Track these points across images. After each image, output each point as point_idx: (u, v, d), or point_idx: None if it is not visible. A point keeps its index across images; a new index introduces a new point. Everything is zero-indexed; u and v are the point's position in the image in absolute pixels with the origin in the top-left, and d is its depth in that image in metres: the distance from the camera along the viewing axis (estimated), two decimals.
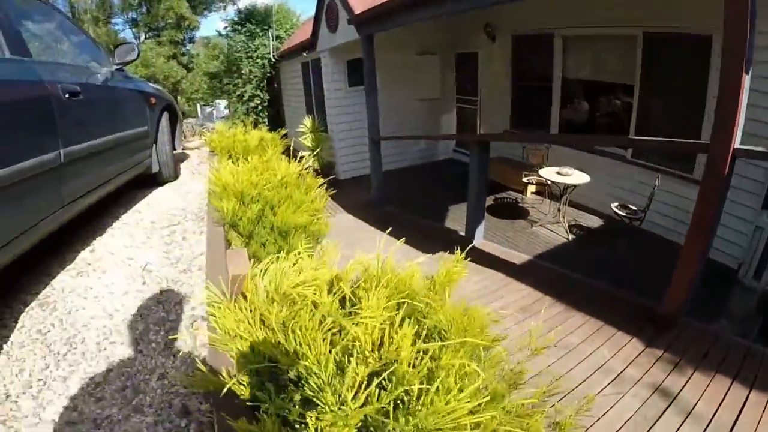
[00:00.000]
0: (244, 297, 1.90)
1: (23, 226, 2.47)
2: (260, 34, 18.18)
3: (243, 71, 17.83)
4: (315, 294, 1.55)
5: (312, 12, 12.24)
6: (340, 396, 1.17)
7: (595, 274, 4.84)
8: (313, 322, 1.34)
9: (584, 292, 4.51)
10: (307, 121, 11.88)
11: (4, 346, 2.33)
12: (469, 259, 2.11)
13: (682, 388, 3.20)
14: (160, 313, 2.61)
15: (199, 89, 24.17)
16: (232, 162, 4.91)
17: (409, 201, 9.09)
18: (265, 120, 17.98)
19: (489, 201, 7.42)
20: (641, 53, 7.15)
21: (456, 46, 11.71)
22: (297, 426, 1.15)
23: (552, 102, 9.05)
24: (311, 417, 1.12)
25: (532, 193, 9.07)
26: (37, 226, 2.59)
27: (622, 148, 7.64)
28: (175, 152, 5.60)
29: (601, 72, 8.29)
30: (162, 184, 5.25)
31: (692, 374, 3.34)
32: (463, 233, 6.28)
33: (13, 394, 2.02)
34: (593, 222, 7.86)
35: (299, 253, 2.05)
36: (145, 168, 4.73)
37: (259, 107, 18.24)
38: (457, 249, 2.15)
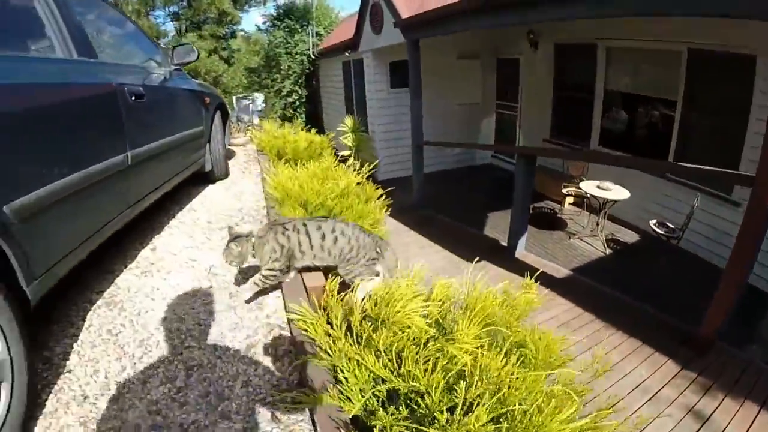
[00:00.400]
0: (323, 309, 2.02)
1: (95, 226, 2.56)
2: (299, 30, 18.30)
3: (282, 67, 17.94)
4: (416, 318, 1.66)
5: (351, 9, 12.31)
6: (451, 413, 1.29)
7: (632, 291, 4.90)
8: (418, 348, 1.46)
9: (623, 310, 4.58)
10: (348, 121, 11.94)
11: (74, 345, 2.37)
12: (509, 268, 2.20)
13: (714, 411, 3.32)
14: (233, 318, 2.62)
15: (240, 84, 24.37)
16: (284, 164, 5.04)
17: (447, 205, 9.13)
18: (302, 116, 18.07)
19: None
20: (685, 69, 7.09)
21: (497, 51, 11.66)
22: None
23: (593, 113, 8.98)
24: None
25: (569, 204, 9.05)
26: (106, 227, 2.68)
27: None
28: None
29: (643, 86, 8.22)
30: (213, 182, 5.37)
31: (723, 399, 3.45)
32: (503, 242, 6.35)
33: (91, 395, 2.04)
34: (630, 237, 7.84)
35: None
36: (199, 167, 4.83)
37: (297, 103, 18.33)
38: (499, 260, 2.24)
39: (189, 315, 2.65)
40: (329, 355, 1.66)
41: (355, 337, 1.60)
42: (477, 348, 1.56)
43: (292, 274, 2.62)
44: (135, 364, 2.25)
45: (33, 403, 1.83)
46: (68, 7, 2.79)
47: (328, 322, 1.88)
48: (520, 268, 5.21)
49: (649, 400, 3.45)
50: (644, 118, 8.31)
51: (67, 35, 2.68)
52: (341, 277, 2.46)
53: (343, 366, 1.50)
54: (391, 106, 11.60)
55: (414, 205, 8.98)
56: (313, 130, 6.97)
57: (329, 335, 1.79)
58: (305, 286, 2.43)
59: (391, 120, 11.64)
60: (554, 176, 9.40)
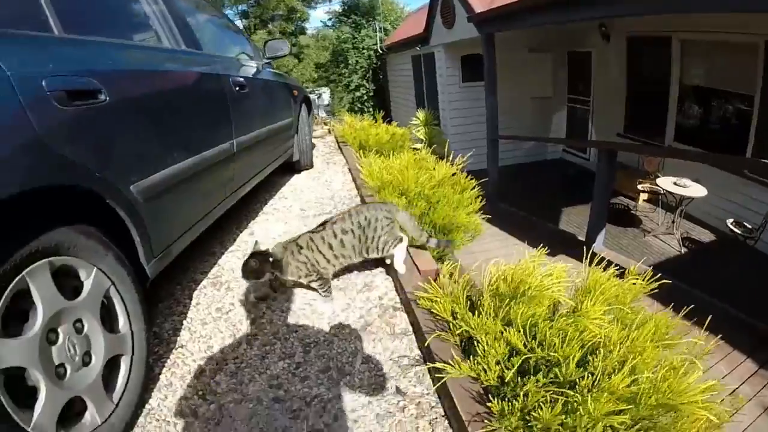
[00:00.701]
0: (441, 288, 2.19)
1: (206, 209, 2.74)
2: (365, 25, 18.57)
3: (349, 62, 18.26)
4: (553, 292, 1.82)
5: (415, 4, 12.42)
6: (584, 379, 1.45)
7: (709, 290, 4.87)
8: (551, 322, 1.62)
9: (701, 307, 4.58)
10: (420, 114, 12.05)
11: (184, 322, 2.48)
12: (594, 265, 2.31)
13: None
14: (343, 300, 2.67)
15: (309, 78, 24.83)
16: (373, 155, 5.25)
17: (521, 199, 9.08)
18: (370, 109, 18.31)
19: None
20: (763, 62, 6.81)
21: (568, 44, 11.43)
22: (542, 406, 1.42)
23: (668, 108, 8.77)
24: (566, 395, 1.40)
25: (643, 200, 8.83)
26: (214, 209, 2.86)
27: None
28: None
29: (720, 79, 7.95)
30: (299, 171, 5.60)
31: None
32: (579, 237, 6.37)
33: (208, 369, 2.12)
34: (706, 236, 7.65)
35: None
36: (288, 156, 5.06)
37: (365, 97, 18.63)
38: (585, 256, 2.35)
39: (297, 296, 2.74)
40: (460, 329, 1.82)
41: (485, 313, 1.75)
42: (606, 323, 1.71)
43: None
44: (250, 340, 2.34)
45: (146, 376, 1.91)
46: (172, 2, 2.99)
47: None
48: (600, 263, 5.28)
49: (727, 396, 3.50)
50: (720, 112, 8.11)
51: (175, 29, 2.86)
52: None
53: (480, 338, 1.66)
54: (462, 100, 11.65)
55: (489, 198, 9.01)
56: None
57: (454, 314, 1.95)
58: (418, 270, 2.57)
59: (464, 113, 11.68)
60: (628, 172, 9.19)
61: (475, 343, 1.68)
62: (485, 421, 1.49)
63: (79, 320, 1.60)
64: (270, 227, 3.87)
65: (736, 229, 6.74)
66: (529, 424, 1.40)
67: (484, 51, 8.75)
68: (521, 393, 1.46)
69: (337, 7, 21.94)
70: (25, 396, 1.34)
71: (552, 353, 1.52)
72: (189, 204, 2.55)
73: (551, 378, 1.51)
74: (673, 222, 7.46)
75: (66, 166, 1.60)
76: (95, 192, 1.72)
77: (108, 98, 1.82)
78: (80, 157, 1.66)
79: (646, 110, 9.43)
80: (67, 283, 1.58)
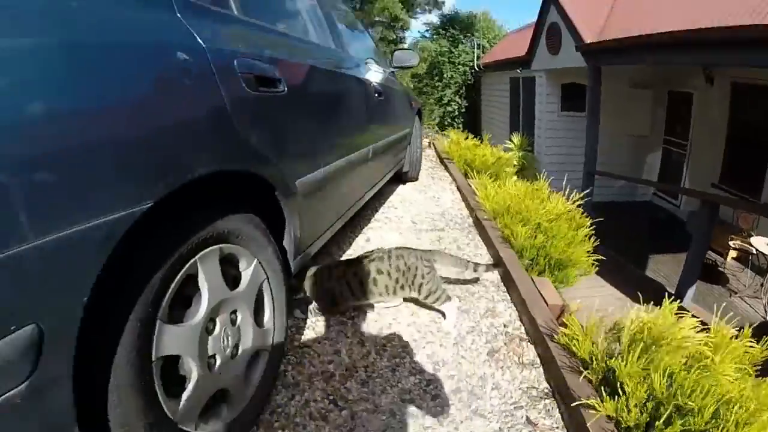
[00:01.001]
0: (564, 325, 2.35)
1: (342, 210, 2.77)
2: (463, 40, 18.65)
3: (444, 75, 18.32)
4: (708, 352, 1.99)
5: (513, 22, 12.40)
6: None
7: None
8: (688, 372, 1.81)
9: None
10: (515, 139, 11.99)
11: (308, 321, 2.53)
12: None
13: None
14: (467, 323, 2.68)
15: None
16: (468, 173, 5.42)
17: (608, 238, 8.93)
18: (459, 126, 18.21)
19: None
20: None
21: (669, 82, 11.11)
22: None
23: None
24: None
25: (732, 258, 8.51)
26: (344, 214, 2.86)
27: None
28: None
29: None
30: (404, 182, 5.70)
31: None
32: (668, 288, 6.31)
33: (337, 374, 2.13)
34: None
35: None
36: (400, 166, 5.14)
37: (456, 112, 18.66)
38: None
39: (421, 311, 2.75)
40: (602, 369, 1.99)
41: (630, 358, 1.92)
42: (735, 380, 1.88)
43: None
44: (379, 351, 2.35)
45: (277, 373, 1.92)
46: (326, 6, 3.13)
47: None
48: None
49: None
50: None
51: (328, 31, 2.97)
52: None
53: (626, 381, 1.83)
54: (559, 129, 11.62)
55: None
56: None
57: (591, 355, 2.12)
58: (545, 301, 2.70)
59: (559, 142, 11.64)
60: (722, 227, 8.77)
61: (619, 385, 1.85)
62: None
63: (235, 311, 1.60)
64: (384, 235, 3.98)
65: None
66: None
67: (590, 83, 8.81)
68: None
69: (435, 19, 22.09)
70: (172, 384, 1.33)
71: (690, 402, 1.69)
72: (331, 204, 2.57)
73: (686, 426, 1.68)
74: (761, 285, 7.19)
75: (249, 152, 1.61)
76: (268, 182, 1.72)
77: (285, 89, 1.83)
78: (261, 145, 1.66)
79: (745, 162, 9.04)
80: (228, 272, 1.57)
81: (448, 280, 3.05)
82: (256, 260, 1.69)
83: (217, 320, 1.49)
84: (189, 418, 1.37)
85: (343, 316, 2.62)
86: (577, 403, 1.82)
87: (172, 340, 1.29)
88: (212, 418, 1.51)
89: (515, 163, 11.39)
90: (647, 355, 1.95)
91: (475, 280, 3.16)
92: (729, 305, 7.02)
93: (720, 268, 8.19)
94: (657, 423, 1.70)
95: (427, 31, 22.41)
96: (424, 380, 2.15)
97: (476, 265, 2.82)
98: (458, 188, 5.57)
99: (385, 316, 2.67)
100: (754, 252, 7.26)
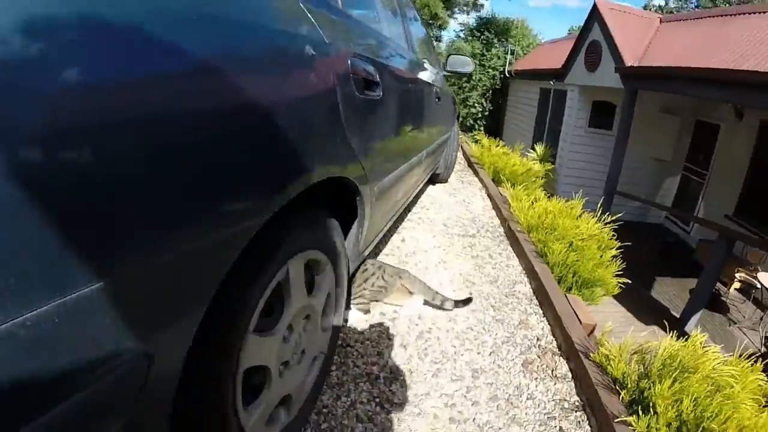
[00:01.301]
0: (597, 344, 2.60)
1: (390, 216, 2.74)
2: (496, 44, 18.69)
3: (473, 77, 18.29)
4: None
5: (546, 33, 12.40)
6: None
7: None
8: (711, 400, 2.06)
9: None
10: (539, 149, 12.22)
11: (349, 320, 2.57)
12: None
13: None
14: (502, 332, 2.81)
15: None
16: (498, 181, 5.63)
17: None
18: (481, 128, 18.44)
19: (691, 283, 7.46)
20: None
21: (698, 112, 11.30)
22: None
23: None
24: None
25: (735, 288, 8.80)
26: (392, 217, 2.86)
27: None
28: None
29: None
30: (434, 183, 5.77)
31: None
32: (673, 312, 6.55)
33: (381, 376, 2.20)
34: None
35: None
36: (436, 167, 5.17)
37: (479, 115, 18.70)
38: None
39: (459, 316, 2.88)
40: (633, 389, 2.25)
41: (661, 382, 2.17)
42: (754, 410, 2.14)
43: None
44: (420, 355, 2.44)
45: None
46: (401, 3, 3.18)
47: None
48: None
49: None
50: None
51: (403, 35, 3.04)
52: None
53: (658, 402, 2.08)
54: (584, 144, 11.75)
55: None
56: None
57: (625, 375, 2.37)
58: (579, 320, 2.89)
59: (582, 157, 11.79)
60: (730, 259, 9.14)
61: (651, 405, 2.10)
62: None
63: (308, 317, 1.57)
64: (419, 236, 4.06)
65: None
66: None
67: (624, 104, 8.99)
68: None
69: (472, 20, 22.02)
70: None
71: (714, 426, 1.94)
72: (389, 208, 2.54)
73: None
74: (761, 319, 7.46)
75: (349, 158, 1.54)
76: (354, 186, 1.66)
77: (381, 94, 1.80)
78: (358, 150, 1.60)
79: (762, 198, 9.26)
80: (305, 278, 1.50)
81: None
82: (330, 264, 1.66)
83: (294, 327, 1.47)
84: (258, 428, 1.37)
85: (384, 318, 2.70)
86: (618, 419, 2.06)
87: (258, 350, 1.26)
88: (272, 423, 1.49)
89: (542, 175, 11.64)
90: (680, 379, 2.20)
91: (509, 294, 3.31)
92: (728, 334, 7.40)
93: (723, 298, 8.48)
94: None
95: (461, 31, 22.28)
96: (464, 387, 2.27)
97: (444, 299, 2.87)
98: (489, 195, 5.70)
99: (425, 320, 2.77)
100: (758, 286, 7.49)
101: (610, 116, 11.41)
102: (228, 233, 0.95)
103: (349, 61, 1.49)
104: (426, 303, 2.87)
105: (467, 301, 2.98)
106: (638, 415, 2.06)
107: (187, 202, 0.84)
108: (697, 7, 26.69)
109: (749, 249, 8.86)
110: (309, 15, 1.31)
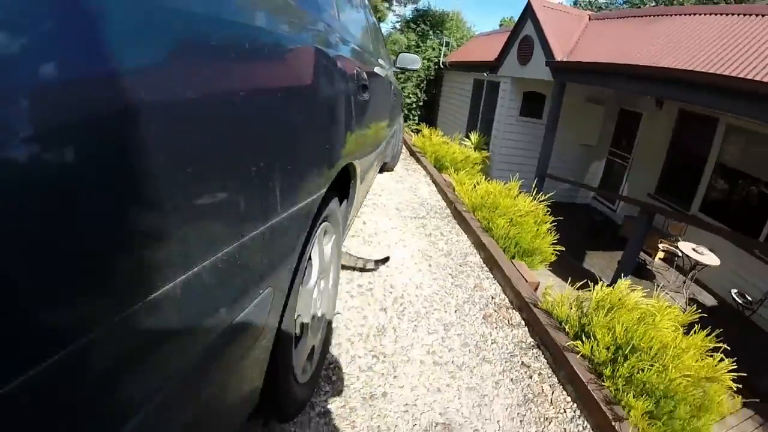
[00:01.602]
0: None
1: (359, 200, 2.97)
2: (431, 36, 19.08)
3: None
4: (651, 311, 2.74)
5: (481, 25, 12.55)
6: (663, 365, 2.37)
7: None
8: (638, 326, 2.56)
9: None
10: (473, 137, 12.64)
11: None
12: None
13: None
14: (462, 294, 3.29)
15: None
16: (440, 168, 6.02)
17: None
18: (416, 118, 18.82)
19: (619, 255, 8.06)
20: None
21: (621, 101, 12.06)
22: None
23: (700, 180, 9.51)
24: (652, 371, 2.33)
25: (659, 258, 9.61)
26: (361, 202, 3.21)
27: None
28: None
29: (752, 165, 8.66)
30: (382, 171, 6.08)
31: None
32: (603, 279, 7.14)
33: (371, 335, 2.55)
34: (710, 301, 8.42)
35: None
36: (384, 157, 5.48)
37: (413, 105, 19.01)
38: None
39: (422, 285, 3.29)
40: (576, 324, 2.74)
41: (595, 315, 2.68)
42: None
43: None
44: (398, 315, 2.83)
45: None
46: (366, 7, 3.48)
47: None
48: None
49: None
50: (744, 194, 8.83)
51: (369, 35, 3.28)
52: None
53: (597, 331, 2.57)
54: (515, 132, 12.22)
55: None
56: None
57: (568, 316, 2.86)
58: (525, 279, 3.43)
59: (514, 144, 12.26)
60: (651, 231, 9.83)
61: (592, 334, 2.59)
62: (596, 383, 2.40)
63: (324, 278, 1.85)
64: (377, 219, 4.40)
65: (738, 299, 7.48)
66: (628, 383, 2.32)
67: (554, 96, 9.57)
68: (623, 366, 2.38)
69: (408, 13, 22.29)
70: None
71: (641, 344, 2.44)
72: (364, 189, 2.98)
73: (638, 359, 2.42)
74: (684, 283, 8.18)
75: (352, 145, 1.88)
76: (353, 169, 2.04)
77: (368, 96, 2.19)
78: (356, 140, 1.95)
79: (679, 178, 10.07)
80: None
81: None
82: (334, 236, 1.96)
83: (316, 286, 1.75)
84: (300, 370, 1.67)
85: (362, 288, 3.05)
86: (566, 348, 2.55)
87: (303, 302, 1.54)
88: (304, 372, 1.77)
89: (479, 162, 12.18)
90: (611, 314, 2.69)
91: (462, 264, 3.80)
92: (654, 298, 8.02)
93: (648, 267, 9.27)
94: (618, 358, 2.44)
95: (398, 23, 22.56)
96: (439, 338, 2.73)
97: (366, 260, 3.24)
98: (434, 181, 6.12)
99: (397, 288, 3.17)
100: (680, 254, 8.20)
101: (540, 105, 12.00)
102: (318, 203, 1.35)
103: (356, 70, 1.90)
104: (346, 267, 3.23)
105: (385, 260, 3.36)
106: (582, 341, 2.53)
107: (300, 182, 1.23)
108: (624, 4, 27.72)
109: (670, 222, 9.63)
110: (335, 25, 1.70)
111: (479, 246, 4.08)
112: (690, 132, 10.05)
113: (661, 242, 9.30)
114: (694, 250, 8.03)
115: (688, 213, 9.55)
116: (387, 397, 2.18)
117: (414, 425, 2.07)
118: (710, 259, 7.88)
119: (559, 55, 9.57)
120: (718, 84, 5.88)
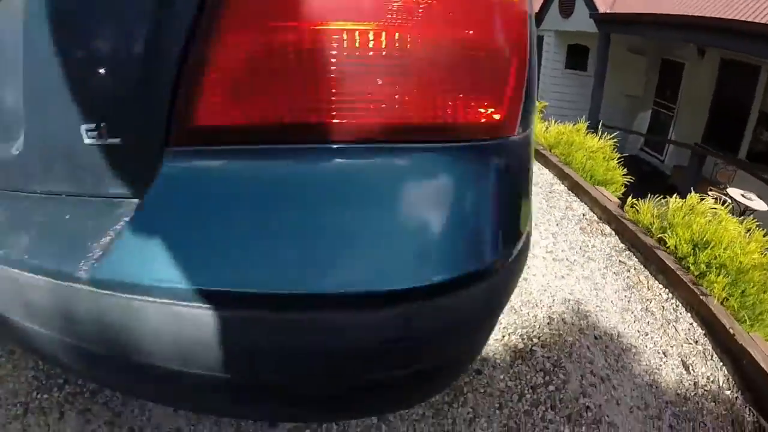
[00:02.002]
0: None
1: None
2: None
3: None
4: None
5: None
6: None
7: None
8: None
9: None
10: None
11: None
12: None
13: None
14: (558, 213, 3.97)
15: None
16: None
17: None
18: None
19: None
20: None
21: (664, 51, 11.96)
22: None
23: (745, 129, 9.64)
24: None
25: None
26: None
27: None
28: None
29: None
30: None
31: None
32: None
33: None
34: None
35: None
36: None
37: None
38: None
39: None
40: (661, 229, 3.31)
41: (675, 218, 3.24)
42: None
43: None
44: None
45: None
46: None
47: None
48: None
49: None
50: None
51: None
52: None
53: (677, 230, 3.13)
54: (561, 85, 12.54)
55: None
56: None
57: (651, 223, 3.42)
58: (609, 199, 4.01)
59: (560, 96, 12.50)
60: (700, 180, 9.69)
61: (674, 232, 3.14)
62: (682, 271, 2.97)
63: None
64: None
65: None
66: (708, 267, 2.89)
67: (599, 48, 9.87)
68: (702, 254, 2.93)
69: None
70: None
71: (714, 238, 2.99)
72: None
73: (712, 251, 2.97)
74: None
75: None
76: None
77: None
78: None
79: (724, 127, 10.12)
80: None
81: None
82: None
83: None
84: None
85: None
86: (652, 245, 3.15)
87: None
88: None
89: (540, 110, 12.46)
90: (687, 217, 3.24)
91: (551, 192, 4.43)
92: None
93: None
94: (697, 251, 2.99)
95: None
96: (551, 242, 3.43)
97: None
98: None
99: None
100: (729, 200, 8.51)
101: (584, 59, 12.26)
102: None
103: None
104: None
105: None
106: (667, 237, 3.09)
107: None
108: None
109: (718, 169, 9.81)
110: None
111: (562, 176, 4.67)
112: (733, 81, 10.09)
113: (710, 189, 9.45)
114: (743, 195, 8.29)
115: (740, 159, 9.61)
116: (527, 281, 2.86)
117: (554, 299, 2.76)
118: (759, 204, 8.15)
119: (602, 7, 9.76)
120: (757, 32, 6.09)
